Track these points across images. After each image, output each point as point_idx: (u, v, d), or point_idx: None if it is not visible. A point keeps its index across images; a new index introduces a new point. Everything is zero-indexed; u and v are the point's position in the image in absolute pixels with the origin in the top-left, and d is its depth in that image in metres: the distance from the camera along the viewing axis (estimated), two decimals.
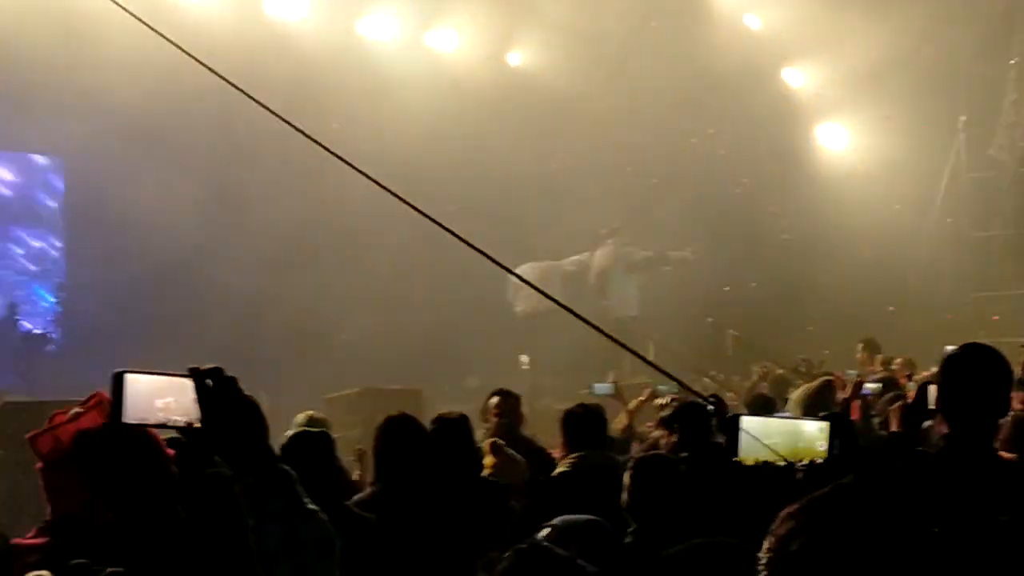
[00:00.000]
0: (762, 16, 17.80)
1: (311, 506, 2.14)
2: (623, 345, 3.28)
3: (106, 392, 2.33)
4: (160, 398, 2.18)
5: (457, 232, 3.09)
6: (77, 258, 16.18)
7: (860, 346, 11.82)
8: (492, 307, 15.99)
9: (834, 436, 3.74)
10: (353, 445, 6.89)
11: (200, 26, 12.72)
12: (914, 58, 16.21)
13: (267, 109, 3.26)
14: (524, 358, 11.13)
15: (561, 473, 5.48)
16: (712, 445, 4.89)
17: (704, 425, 5.19)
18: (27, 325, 15.83)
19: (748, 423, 3.79)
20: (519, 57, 17.64)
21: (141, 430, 2.74)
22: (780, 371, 11.06)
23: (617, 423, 7.62)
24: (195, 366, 2.13)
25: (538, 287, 4.10)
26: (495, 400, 6.66)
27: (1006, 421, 4.89)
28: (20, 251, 17.91)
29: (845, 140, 18.51)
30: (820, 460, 3.72)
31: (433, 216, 3.13)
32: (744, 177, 17.23)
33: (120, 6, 3.60)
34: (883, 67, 16.32)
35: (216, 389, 2.13)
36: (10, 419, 7.77)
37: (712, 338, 15.84)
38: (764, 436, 3.76)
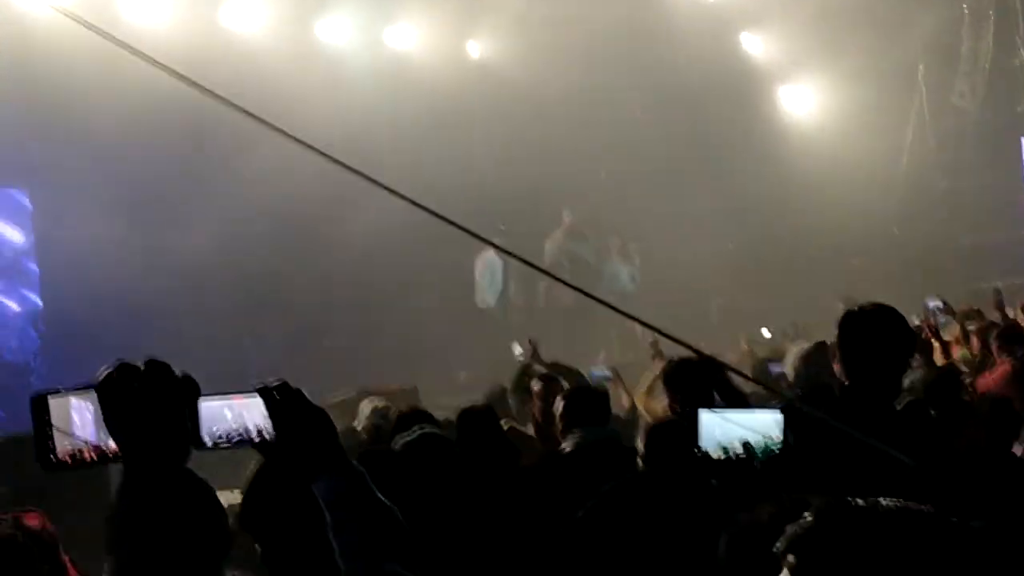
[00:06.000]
0: None
1: (386, 503, 2.29)
2: (633, 317, 3.25)
3: None
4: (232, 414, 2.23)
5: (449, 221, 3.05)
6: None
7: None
8: (462, 300, 16.22)
9: (788, 427, 3.96)
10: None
11: (151, 39, 12.40)
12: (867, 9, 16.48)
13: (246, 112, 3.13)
14: (517, 347, 10.95)
15: (562, 452, 5.47)
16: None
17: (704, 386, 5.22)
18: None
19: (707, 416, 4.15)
20: (478, 49, 17.58)
21: None
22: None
23: (620, 404, 7.61)
24: (262, 383, 2.24)
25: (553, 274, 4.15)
26: (539, 386, 6.72)
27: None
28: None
29: (811, 101, 18.59)
30: (776, 450, 3.97)
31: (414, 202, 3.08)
32: (711, 140, 17.37)
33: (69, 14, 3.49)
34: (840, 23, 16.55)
35: (285, 402, 2.24)
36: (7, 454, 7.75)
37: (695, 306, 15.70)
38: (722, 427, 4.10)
